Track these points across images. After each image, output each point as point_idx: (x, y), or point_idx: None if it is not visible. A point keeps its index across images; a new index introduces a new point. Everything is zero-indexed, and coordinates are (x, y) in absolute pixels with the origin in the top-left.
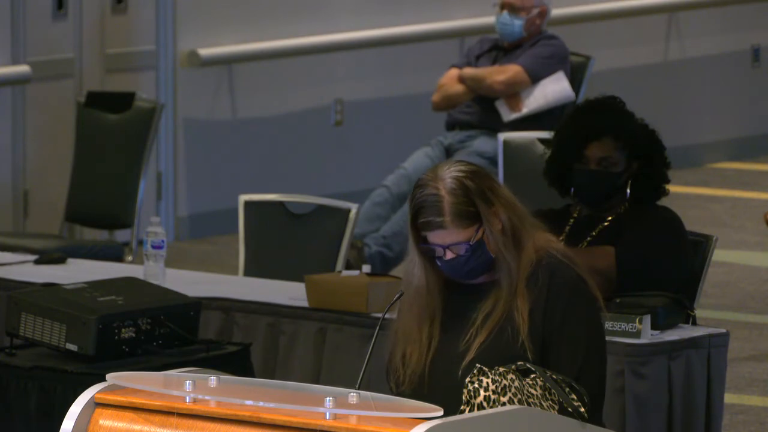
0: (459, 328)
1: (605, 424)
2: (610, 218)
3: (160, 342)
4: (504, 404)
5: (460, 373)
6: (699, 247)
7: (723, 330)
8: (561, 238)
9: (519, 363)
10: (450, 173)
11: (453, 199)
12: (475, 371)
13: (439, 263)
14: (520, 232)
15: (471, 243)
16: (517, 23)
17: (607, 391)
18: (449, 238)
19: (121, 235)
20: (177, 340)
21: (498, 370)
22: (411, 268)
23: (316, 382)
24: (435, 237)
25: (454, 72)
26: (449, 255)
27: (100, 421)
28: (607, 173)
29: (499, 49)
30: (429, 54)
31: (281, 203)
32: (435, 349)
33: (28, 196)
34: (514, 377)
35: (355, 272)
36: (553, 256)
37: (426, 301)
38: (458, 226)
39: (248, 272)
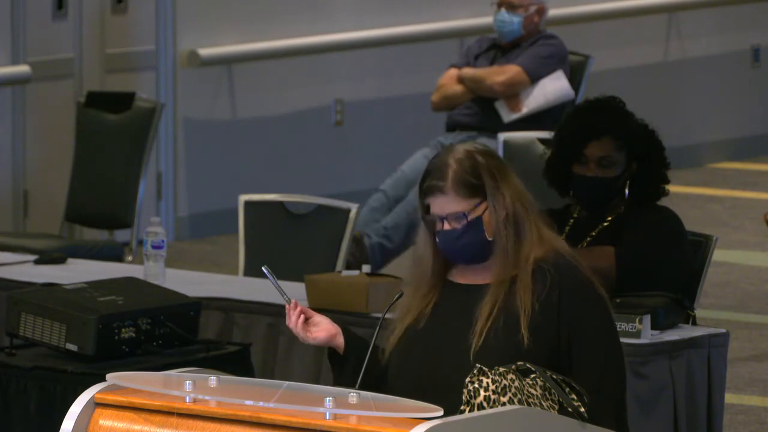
0: (457, 319)
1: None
2: (610, 218)
3: (160, 342)
4: (504, 404)
5: (464, 360)
6: (699, 247)
7: (723, 330)
8: (561, 238)
9: (519, 363)
10: (464, 147)
11: (458, 167)
12: (475, 371)
13: (437, 238)
14: (523, 222)
15: (467, 215)
16: (516, 20)
17: None
18: (448, 207)
19: (121, 235)
20: (177, 340)
21: (498, 370)
22: (418, 241)
23: (316, 382)
24: (435, 205)
25: (453, 72)
26: (446, 226)
27: (100, 421)
28: (606, 179)
29: (498, 49)
30: (429, 54)
31: (281, 203)
32: (430, 335)
33: (28, 196)
34: (514, 377)
35: (355, 272)
36: (561, 255)
37: (421, 271)
38: (458, 194)
39: (248, 272)
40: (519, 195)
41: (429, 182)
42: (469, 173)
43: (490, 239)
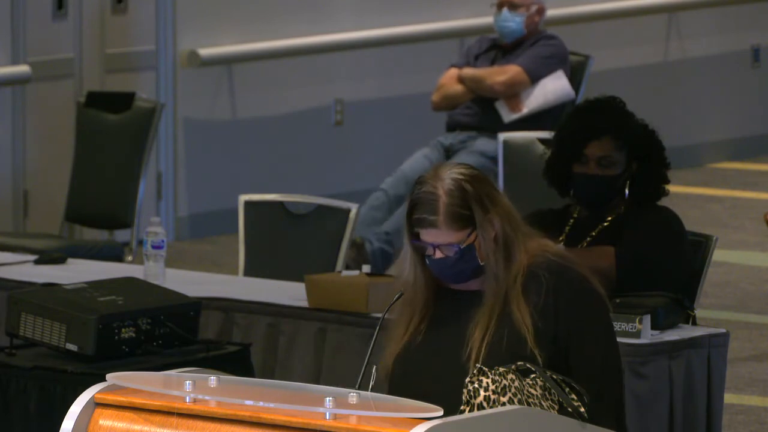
0: (452, 335)
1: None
2: (609, 218)
3: (160, 342)
4: (504, 404)
5: (459, 382)
6: (699, 247)
7: (723, 330)
8: (561, 238)
9: (519, 363)
10: (450, 174)
11: (449, 200)
12: (475, 371)
13: (428, 261)
14: (512, 243)
15: (461, 246)
16: (518, 20)
17: None
18: (440, 238)
19: (121, 235)
20: (177, 340)
21: (498, 370)
22: (402, 262)
23: (316, 382)
24: (427, 235)
25: (453, 72)
26: (438, 254)
27: (100, 421)
28: (606, 178)
29: (498, 49)
30: (429, 54)
31: (281, 203)
32: (426, 351)
33: (28, 196)
34: (514, 377)
35: (355, 272)
36: (550, 259)
37: (411, 296)
38: (450, 227)
39: (248, 272)
40: (508, 217)
41: (419, 215)
42: (460, 205)
43: (482, 264)
